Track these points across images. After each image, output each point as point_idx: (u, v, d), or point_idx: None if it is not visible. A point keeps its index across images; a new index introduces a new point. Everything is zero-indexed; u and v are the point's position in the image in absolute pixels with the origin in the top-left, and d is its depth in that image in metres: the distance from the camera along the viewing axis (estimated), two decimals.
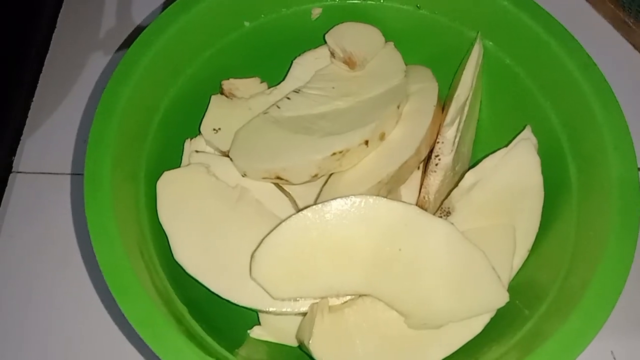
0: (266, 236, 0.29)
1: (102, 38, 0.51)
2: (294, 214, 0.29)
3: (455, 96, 0.34)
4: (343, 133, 0.32)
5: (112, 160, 0.30)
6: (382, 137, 0.34)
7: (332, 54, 0.37)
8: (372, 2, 0.37)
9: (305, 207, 0.29)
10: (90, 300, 0.39)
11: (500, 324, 0.30)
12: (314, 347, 0.29)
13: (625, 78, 0.45)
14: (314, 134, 0.33)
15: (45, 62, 0.49)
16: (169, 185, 0.32)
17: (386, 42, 0.37)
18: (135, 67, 0.32)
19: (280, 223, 0.29)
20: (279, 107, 0.35)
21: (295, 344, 0.33)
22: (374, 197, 0.29)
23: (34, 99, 0.48)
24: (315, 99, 0.35)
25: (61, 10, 0.51)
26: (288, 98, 0.35)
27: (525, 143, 0.32)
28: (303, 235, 0.29)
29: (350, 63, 0.36)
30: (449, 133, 0.34)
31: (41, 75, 0.49)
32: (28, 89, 0.48)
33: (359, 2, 0.37)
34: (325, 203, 0.29)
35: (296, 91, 0.36)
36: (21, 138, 0.46)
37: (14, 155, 0.46)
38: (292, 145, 0.32)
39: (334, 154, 0.32)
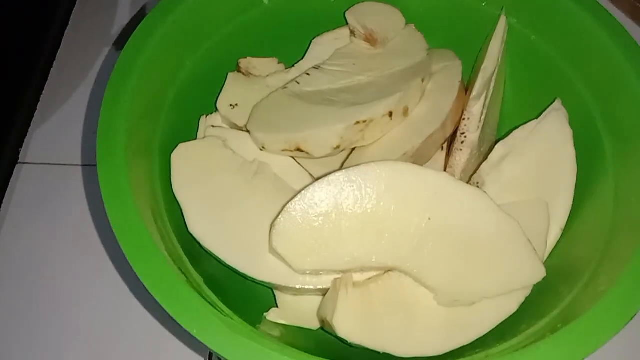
0: (287, 202, 0.27)
1: (114, 34, 0.50)
2: (317, 179, 0.28)
3: (482, 68, 0.33)
4: (367, 103, 0.31)
5: (126, 128, 0.28)
6: (405, 112, 0.32)
7: (353, 33, 0.36)
8: None
9: (329, 173, 0.28)
10: (117, 286, 0.37)
11: (536, 303, 0.28)
12: (337, 323, 0.27)
13: None
14: (336, 105, 0.31)
15: (56, 56, 0.49)
16: (184, 157, 0.31)
17: (407, 24, 0.37)
18: (152, 35, 0.31)
19: (302, 189, 0.27)
20: (298, 83, 0.34)
21: (314, 326, 0.30)
22: (404, 163, 0.28)
23: (43, 92, 0.47)
24: (336, 75, 0.34)
25: (75, 5, 0.51)
26: (307, 74, 0.34)
27: (557, 113, 0.31)
28: (327, 202, 0.27)
29: (371, 40, 0.35)
30: (476, 108, 0.33)
31: (52, 69, 0.48)
32: (38, 82, 0.47)
33: None
34: (353, 168, 0.27)
35: (316, 67, 0.35)
36: (28, 130, 0.45)
37: (21, 147, 0.44)
38: (313, 115, 0.31)
39: (357, 123, 0.30)
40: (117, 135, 0.28)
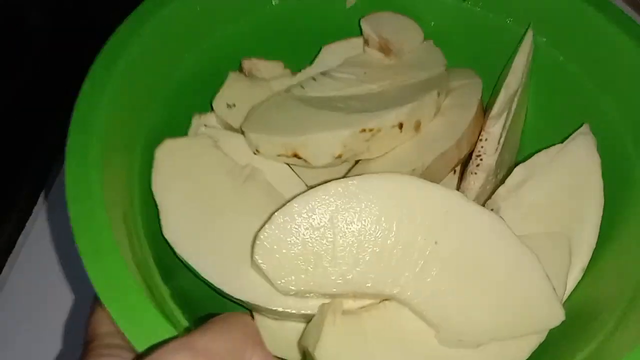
0: (275, 211, 0.24)
1: None
2: (310, 187, 0.24)
3: (505, 84, 0.30)
4: (376, 111, 0.28)
5: (105, 119, 0.25)
6: (417, 126, 0.30)
7: (366, 42, 0.33)
8: None
9: (325, 182, 0.24)
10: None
11: (549, 352, 0.25)
12: (319, 355, 0.23)
13: None
14: (342, 111, 0.28)
15: None
16: (169, 153, 0.28)
17: (425, 39, 0.34)
18: (145, 24, 0.28)
19: (292, 197, 0.24)
20: (302, 87, 0.31)
21: (296, 358, 0.27)
22: (411, 176, 0.24)
23: None
24: (344, 82, 0.31)
25: None
26: (314, 79, 0.32)
27: (585, 138, 0.28)
28: (321, 214, 0.24)
29: (385, 50, 0.33)
30: (495, 128, 0.30)
31: None
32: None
33: None
34: (353, 177, 0.24)
35: (323, 73, 0.32)
36: None
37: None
38: (315, 119, 0.28)
39: (364, 130, 0.27)
40: (93, 126, 0.25)
